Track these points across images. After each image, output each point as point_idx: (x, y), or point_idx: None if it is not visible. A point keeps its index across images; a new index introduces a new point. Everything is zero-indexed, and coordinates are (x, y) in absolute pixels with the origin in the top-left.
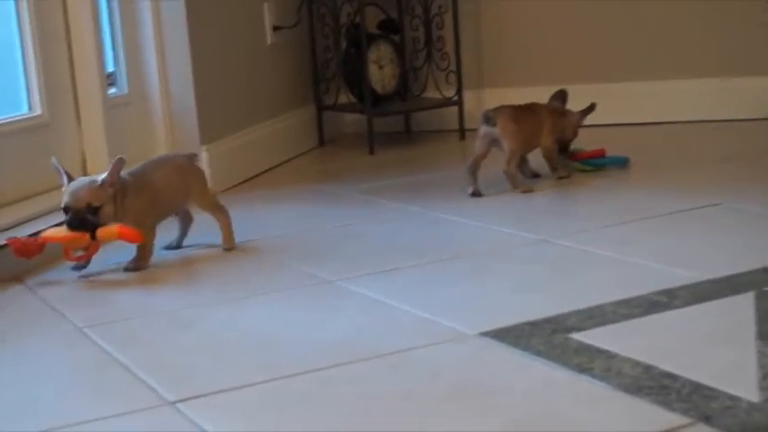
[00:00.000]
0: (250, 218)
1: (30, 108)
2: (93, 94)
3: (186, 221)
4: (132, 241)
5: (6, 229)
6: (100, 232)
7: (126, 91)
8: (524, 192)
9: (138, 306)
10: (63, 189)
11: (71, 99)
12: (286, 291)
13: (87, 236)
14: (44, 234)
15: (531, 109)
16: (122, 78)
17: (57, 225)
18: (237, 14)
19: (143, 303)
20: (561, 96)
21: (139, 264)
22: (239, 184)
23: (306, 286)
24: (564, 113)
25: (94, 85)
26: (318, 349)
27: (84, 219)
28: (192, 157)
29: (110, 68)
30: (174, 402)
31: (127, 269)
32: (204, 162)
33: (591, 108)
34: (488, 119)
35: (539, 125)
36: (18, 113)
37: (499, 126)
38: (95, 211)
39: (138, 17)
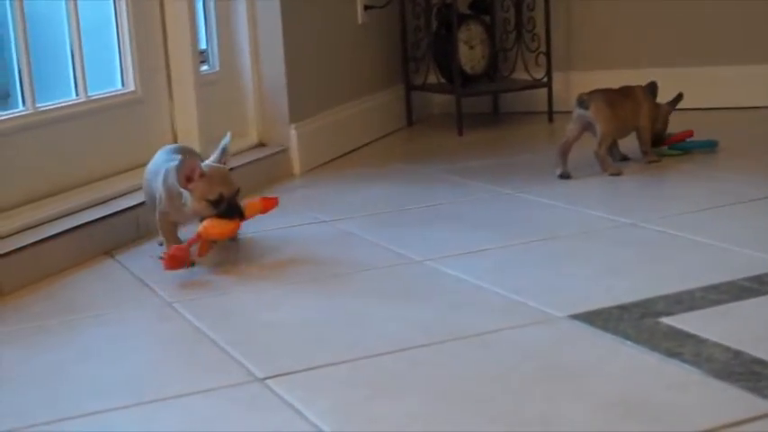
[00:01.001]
0: (338, 196)
1: (123, 84)
2: (185, 71)
3: None
4: (273, 207)
5: (104, 202)
6: (248, 212)
7: (217, 68)
8: (613, 174)
9: (226, 283)
10: (198, 179)
11: (164, 76)
12: (375, 270)
13: (238, 222)
14: (207, 233)
15: (626, 92)
16: (214, 56)
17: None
18: None
19: (231, 281)
20: (652, 89)
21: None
22: (327, 162)
23: (395, 266)
24: (656, 105)
25: (187, 62)
26: (407, 329)
27: (238, 205)
28: None
29: (202, 46)
30: (264, 379)
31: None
32: (293, 140)
33: (679, 98)
34: (582, 102)
35: (635, 108)
36: (112, 89)
37: (593, 110)
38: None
39: None
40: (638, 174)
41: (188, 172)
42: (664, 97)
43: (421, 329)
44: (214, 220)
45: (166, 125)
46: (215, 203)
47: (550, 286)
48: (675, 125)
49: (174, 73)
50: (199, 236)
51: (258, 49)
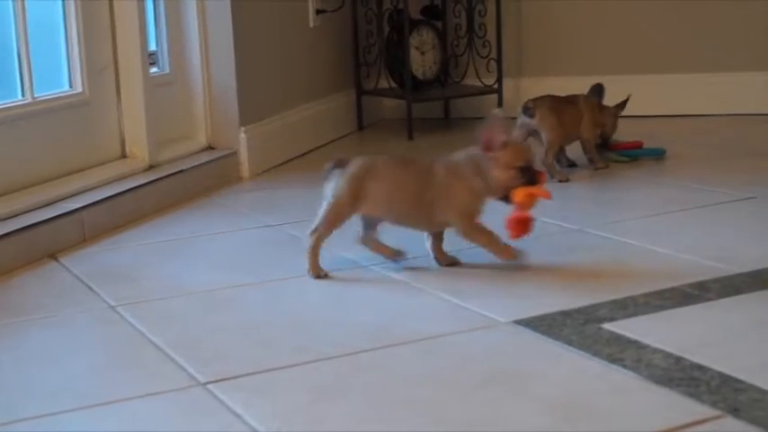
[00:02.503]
0: (287, 201)
1: (70, 85)
2: (134, 73)
3: None
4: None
5: (46, 206)
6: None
7: (167, 70)
8: (561, 181)
9: (172, 286)
10: (501, 148)
11: (112, 77)
12: None
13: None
14: (524, 205)
15: (570, 101)
16: (164, 58)
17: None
18: None
19: (178, 283)
20: (598, 91)
21: None
22: (277, 166)
23: (342, 270)
24: (602, 108)
25: (136, 63)
26: (352, 333)
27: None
28: None
29: (152, 47)
30: (206, 383)
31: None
32: (242, 144)
33: (626, 101)
34: (527, 109)
35: (578, 117)
36: (59, 90)
37: (538, 117)
38: None
39: None
40: (586, 180)
41: (489, 139)
42: (612, 103)
43: (366, 334)
44: (523, 191)
45: (114, 127)
46: (523, 170)
47: (495, 291)
48: (627, 133)
49: (123, 74)
50: (521, 205)
51: (208, 52)
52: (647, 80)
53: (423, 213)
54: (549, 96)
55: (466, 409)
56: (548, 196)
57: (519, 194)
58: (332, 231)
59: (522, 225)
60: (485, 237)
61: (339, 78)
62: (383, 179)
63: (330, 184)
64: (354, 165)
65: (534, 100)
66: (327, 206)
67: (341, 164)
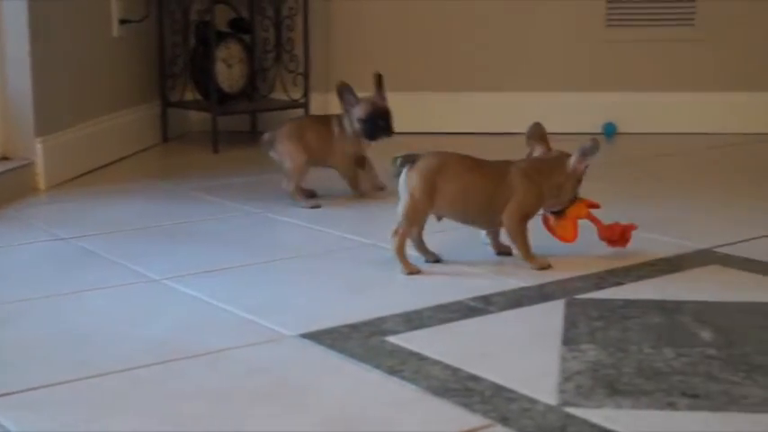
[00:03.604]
0: (83, 213)
1: None
2: None
3: None
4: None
5: None
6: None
7: None
8: (313, 207)
9: None
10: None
11: None
12: (111, 288)
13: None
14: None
15: (321, 121)
16: None
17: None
18: (83, 4)
19: None
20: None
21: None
22: (77, 177)
23: (131, 284)
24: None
25: None
26: (136, 347)
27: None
28: None
29: None
30: None
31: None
32: (38, 154)
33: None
34: (265, 144)
35: (328, 138)
36: None
37: (278, 149)
38: None
39: None
40: (384, 199)
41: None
42: (415, 122)
43: (148, 349)
44: (585, 204)
45: None
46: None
47: (286, 305)
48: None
49: None
50: (576, 216)
51: (3, 58)
52: (453, 98)
53: (490, 214)
54: (291, 121)
55: (243, 424)
56: (597, 206)
57: (578, 208)
58: (413, 229)
59: (624, 237)
60: (526, 241)
61: (144, 89)
62: (455, 180)
63: (401, 180)
64: (426, 162)
65: (273, 132)
66: (405, 205)
67: (410, 159)
